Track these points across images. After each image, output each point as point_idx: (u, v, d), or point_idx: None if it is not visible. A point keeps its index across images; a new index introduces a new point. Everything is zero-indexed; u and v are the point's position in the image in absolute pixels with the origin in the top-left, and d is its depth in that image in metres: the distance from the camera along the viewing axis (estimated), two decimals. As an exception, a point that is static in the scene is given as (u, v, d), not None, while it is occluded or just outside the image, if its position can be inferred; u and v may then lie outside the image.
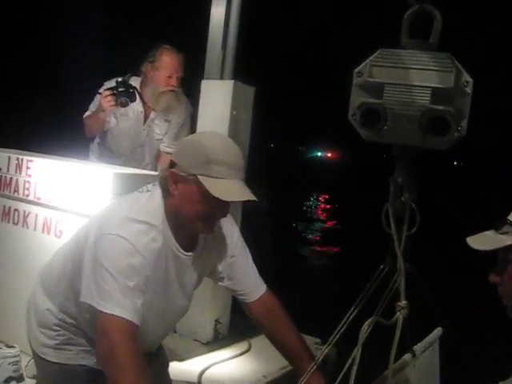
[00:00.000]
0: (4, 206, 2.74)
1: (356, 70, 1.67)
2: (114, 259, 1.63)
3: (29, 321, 1.95)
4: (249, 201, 1.70)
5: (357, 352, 1.62)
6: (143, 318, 1.67)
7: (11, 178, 2.71)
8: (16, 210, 2.70)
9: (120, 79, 3.31)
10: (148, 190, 1.80)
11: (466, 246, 1.44)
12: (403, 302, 1.67)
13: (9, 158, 2.73)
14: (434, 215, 8.24)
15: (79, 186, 2.47)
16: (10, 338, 2.43)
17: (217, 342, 3.14)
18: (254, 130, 3.22)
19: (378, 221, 1.70)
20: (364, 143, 1.69)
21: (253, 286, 1.98)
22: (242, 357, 3.01)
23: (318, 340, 3.03)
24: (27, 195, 2.65)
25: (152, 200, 1.76)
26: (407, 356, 1.84)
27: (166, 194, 1.74)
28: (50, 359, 1.87)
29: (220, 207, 1.72)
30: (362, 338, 1.63)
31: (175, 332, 3.10)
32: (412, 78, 1.60)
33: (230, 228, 1.97)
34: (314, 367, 1.80)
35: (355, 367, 1.59)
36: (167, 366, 2.17)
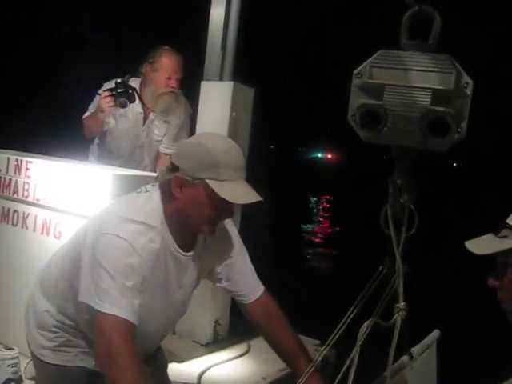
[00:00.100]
0: (3, 208, 2.74)
1: (355, 71, 1.66)
2: (113, 259, 1.63)
3: (27, 322, 1.94)
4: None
5: (355, 353, 1.61)
6: (143, 319, 1.67)
7: (10, 179, 2.71)
8: (15, 211, 2.69)
9: (119, 80, 3.31)
10: (147, 191, 1.80)
11: (465, 249, 1.44)
12: (402, 304, 1.67)
13: (8, 159, 2.73)
14: (433, 217, 8.23)
15: (78, 187, 2.47)
16: (10, 340, 2.44)
17: (216, 343, 3.14)
18: (254, 131, 3.22)
19: (377, 222, 1.70)
20: (365, 144, 1.69)
21: (251, 287, 1.98)
22: (241, 358, 3.01)
23: (318, 341, 3.03)
24: (26, 196, 2.65)
25: (151, 201, 1.75)
26: (405, 358, 1.84)
27: (168, 197, 1.74)
28: (48, 361, 1.87)
29: (226, 209, 1.73)
30: (361, 338, 1.63)
31: (174, 333, 3.10)
32: (412, 79, 1.59)
33: (229, 229, 1.97)
34: (313, 368, 1.80)
35: (353, 368, 1.59)
36: (166, 367, 2.16)
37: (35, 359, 1.93)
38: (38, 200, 2.61)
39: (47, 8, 15.48)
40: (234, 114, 3.01)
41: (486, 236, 1.46)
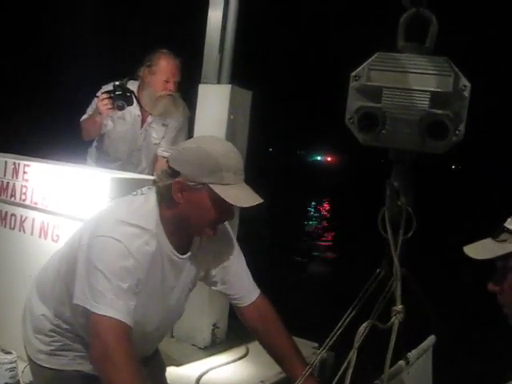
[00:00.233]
0: (1, 211, 2.73)
1: (353, 74, 1.66)
2: (108, 261, 1.63)
3: (24, 326, 1.94)
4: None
5: (352, 355, 1.61)
6: (139, 321, 1.67)
7: (8, 183, 2.70)
8: (13, 214, 2.69)
9: (117, 83, 3.31)
10: (142, 193, 1.80)
11: (463, 252, 1.43)
12: (399, 307, 1.67)
13: (5, 162, 2.72)
14: (431, 219, 8.23)
15: (76, 190, 2.47)
16: (7, 344, 2.42)
17: (214, 346, 3.13)
18: (253, 133, 3.22)
19: (376, 225, 1.69)
20: (364, 147, 1.68)
21: (246, 290, 1.98)
22: (239, 361, 3.00)
23: (316, 344, 3.02)
24: (24, 200, 2.64)
25: (146, 204, 1.75)
26: (402, 362, 1.83)
27: (167, 201, 1.73)
28: (45, 365, 1.86)
29: (228, 211, 1.75)
30: (358, 341, 1.62)
31: (172, 336, 3.09)
32: (410, 81, 1.59)
33: (225, 231, 1.97)
34: (309, 371, 1.80)
35: (350, 370, 1.59)
36: (164, 370, 2.16)
37: (32, 363, 1.93)
38: (35, 203, 2.60)
39: (47, 8, 15.50)
40: (231, 116, 3.00)
41: (484, 240, 1.44)
